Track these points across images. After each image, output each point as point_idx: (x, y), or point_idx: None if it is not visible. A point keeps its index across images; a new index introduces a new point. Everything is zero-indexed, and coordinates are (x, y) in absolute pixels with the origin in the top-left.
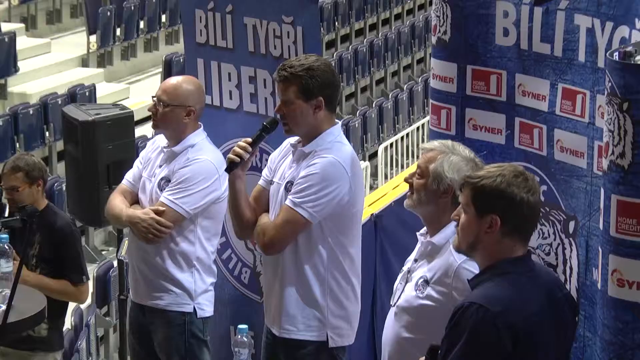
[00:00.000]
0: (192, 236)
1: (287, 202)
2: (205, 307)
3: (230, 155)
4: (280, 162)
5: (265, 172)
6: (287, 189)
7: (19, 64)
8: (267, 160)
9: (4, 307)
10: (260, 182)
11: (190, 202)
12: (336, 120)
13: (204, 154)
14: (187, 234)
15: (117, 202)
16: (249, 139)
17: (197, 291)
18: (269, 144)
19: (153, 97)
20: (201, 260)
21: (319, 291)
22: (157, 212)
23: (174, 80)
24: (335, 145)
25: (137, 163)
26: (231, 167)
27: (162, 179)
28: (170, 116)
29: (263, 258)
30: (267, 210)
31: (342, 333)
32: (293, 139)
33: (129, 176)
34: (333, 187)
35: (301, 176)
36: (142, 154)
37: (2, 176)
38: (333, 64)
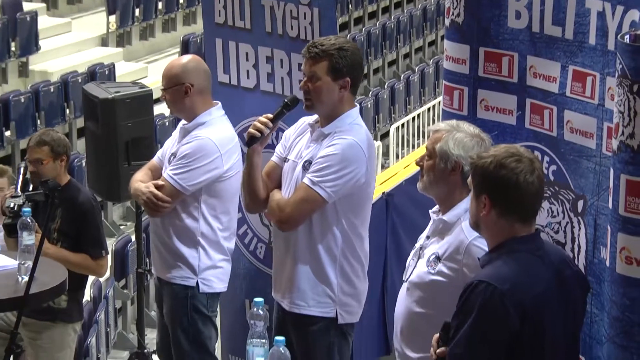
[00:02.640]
0: (196, 213)
1: (305, 181)
2: (212, 283)
3: (251, 130)
4: (296, 141)
5: (279, 148)
6: (305, 168)
7: (40, 42)
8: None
9: (26, 278)
10: (274, 158)
11: (188, 178)
12: (355, 103)
13: (207, 132)
14: (192, 210)
15: (138, 175)
16: (270, 115)
17: (201, 267)
18: (286, 122)
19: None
20: (207, 236)
21: (331, 269)
22: (157, 187)
23: (169, 64)
24: (354, 127)
25: (168, 140)
26: (251, 141)
27: (171, 154)
28: (173, 98)
29: (274, 233)
30: (279, 187)
31: (351, 310)
32: (311, 119)
33: (159, 152)
34: (351, 168)
35: (320, 156)
36: (174, 131)
37: (28, 149)
38: None
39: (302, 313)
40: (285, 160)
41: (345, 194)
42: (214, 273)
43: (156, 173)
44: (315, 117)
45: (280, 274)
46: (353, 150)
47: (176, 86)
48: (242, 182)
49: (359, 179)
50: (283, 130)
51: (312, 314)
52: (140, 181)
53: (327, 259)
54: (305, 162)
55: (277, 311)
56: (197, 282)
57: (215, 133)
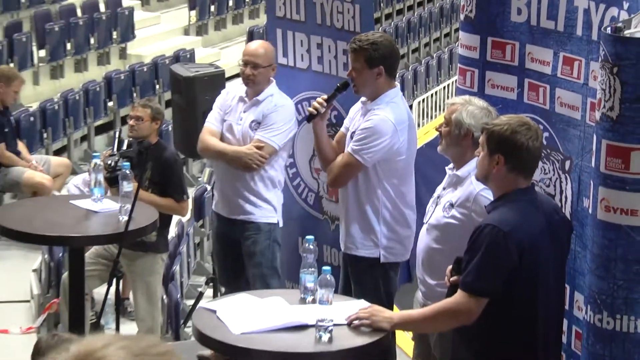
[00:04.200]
0: (276, 165)
1: (348, 149)
2: (281, 219)
3: (309, 109)
4: (356, 115)
5: (346, 120)
6: (352, 137)
7: (136, 32)
8: (335, 116)
9: (125, 218)
10: (342, 128)
11: (281, 138)
12: (395, 84)
13: (286, 101)
14: (273, 162)
15: (214, 141)
16: (325, 96)
17: (277, 207)
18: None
19: (241, 62)
20: (280, 182)
21: (375, 220)
22: (258, 147)
23: (260, 48)
24: (390, 105)
25: (216, 109)
26: (310, 117)
27: (252, 121)
28: (264, 75)
29: (339, 191)
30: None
31: (394, 252)
32: (364, 97)
33: (212, 120)
34: (383, 139)
35: (360, 128)
36: (218, 101)
37: (133, 108)
38: None
39: (353, 254)
40: (348, 130)
41: (380, 160)
42: (280, 211)
43: (217, 137)
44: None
45: (341, 223)
46: (384, 125)
47: (270, 65)
48: (315, 148)
49: (391, 147)
50: (337, 110)
51: (360, 254)
52: (227, 145)
53: (371, 212)
54: (352, 132)
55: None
56: (277, 219)
57: (287, 100)
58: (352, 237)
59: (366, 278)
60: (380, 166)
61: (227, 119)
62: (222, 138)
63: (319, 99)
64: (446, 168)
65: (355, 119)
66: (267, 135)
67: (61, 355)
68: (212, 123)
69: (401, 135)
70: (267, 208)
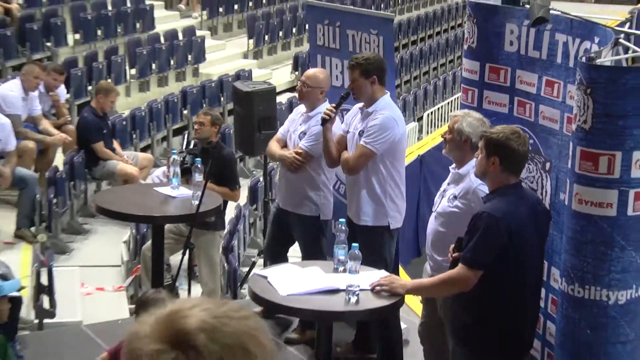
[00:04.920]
0: (319, 169)
1: (361, 142)
2: (327, 213)
3: (323, 115)
4: (353, 119)
5: (343, 125)
6: (360, 134)
7: (206, 56)
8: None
9: (196, 202)
10: (341, 131)
11: (318, 147)
12: (386, 91)
13: None
14: (315, 167)
15: (273, 145)
16: (333, 105)
17: (322, 202)
18: (348, 103)
19: (300, 80)
20: (324, 183)
21: (382, 195)
22: (297, 153)
23: (316, 72)
24: (388, 107)
25: (286, 122)
26: (324, 122)
27: (301, 132)
28: (311, 94)
29: (346, 177)
30: (345, 149)
31: (397, 220)
32: (360, 104)
33: (281, 130)
34: (389, 132)
35: (369, 125)
36: (290, 116)
37: (197, 116)
38: (397, 62)
39: (367, 225)
40: (347, 132)
41: (386, 148)
42: (327, 207)
43: (281, 143)
44: (362, 103)
45: (351, 201)
46: (389, 121)
47: (317, 88)
48: (323, 147)
49: (394, 138)
50: (347, 110)
51: (373, 224)
52: (279, 150)
53: (378, 189)
54: (360, 131)
55: (348, 224)
56: (319, 214)
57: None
58: (365, 211)
59: (375, 244)
60: (385, 154)
61: (290, 129)
62: (286, 144)
63: (329, 107)
64: (450, 167)
65: (354, 121)
66: (306, 144)
67: (159, 310)
68: (280, 132)
69: (399, 128)
70: (309, 204)
